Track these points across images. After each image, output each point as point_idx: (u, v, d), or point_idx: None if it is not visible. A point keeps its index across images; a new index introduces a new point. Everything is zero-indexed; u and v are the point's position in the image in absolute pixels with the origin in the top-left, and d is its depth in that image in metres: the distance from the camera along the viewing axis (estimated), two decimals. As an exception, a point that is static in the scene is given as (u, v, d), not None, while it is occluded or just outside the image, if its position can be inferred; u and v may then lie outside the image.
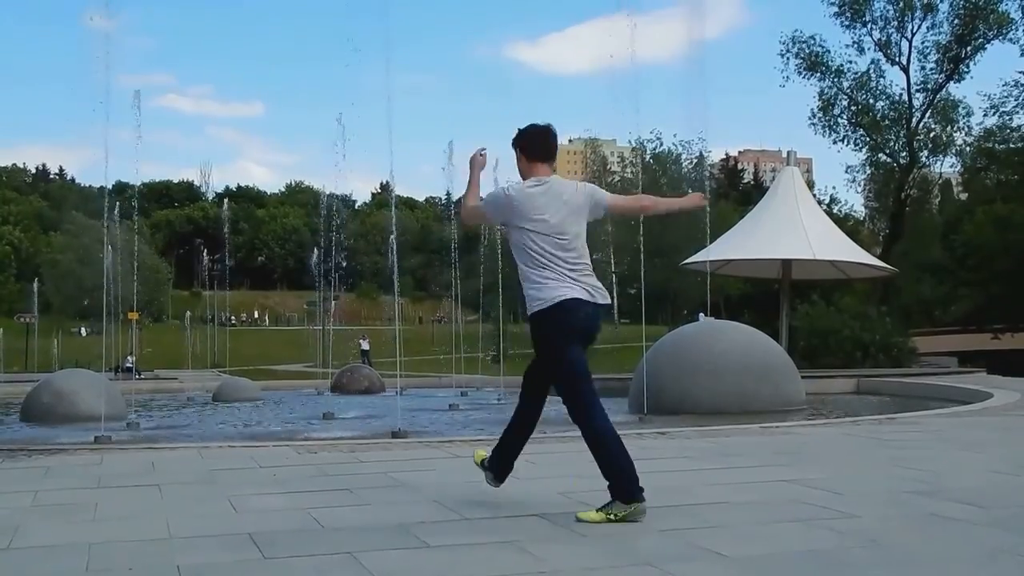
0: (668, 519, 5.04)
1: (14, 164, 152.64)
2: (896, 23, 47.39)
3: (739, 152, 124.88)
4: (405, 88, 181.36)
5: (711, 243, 29.55)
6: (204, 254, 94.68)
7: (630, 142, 76.89)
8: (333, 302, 74.34)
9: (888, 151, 49.71)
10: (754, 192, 77.33)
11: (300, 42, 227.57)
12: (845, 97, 48.75)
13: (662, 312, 68.14)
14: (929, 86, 47.90)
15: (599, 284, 5.34)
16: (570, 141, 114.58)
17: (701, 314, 32.33)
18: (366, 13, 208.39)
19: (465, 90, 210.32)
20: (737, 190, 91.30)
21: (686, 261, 30.50)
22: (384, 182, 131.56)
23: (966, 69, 46.95)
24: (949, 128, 48.30)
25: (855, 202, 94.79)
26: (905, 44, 47.76)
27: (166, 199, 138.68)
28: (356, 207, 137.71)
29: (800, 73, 48.18)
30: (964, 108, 47.93)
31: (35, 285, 64.67)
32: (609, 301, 5.41)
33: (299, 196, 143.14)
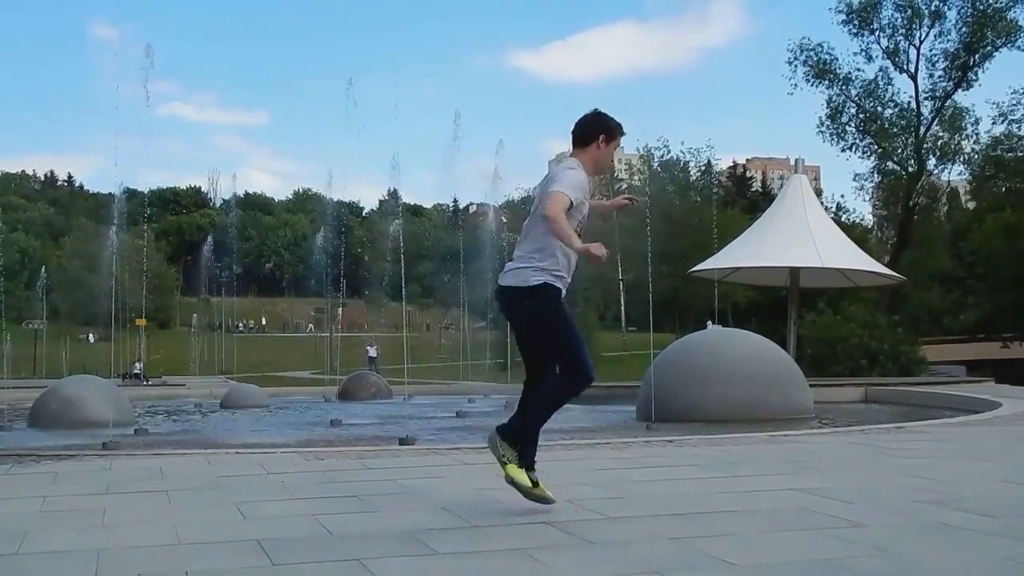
0: (677, 527, 5.04)
1: (23, 171, 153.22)
2: (904, 31, 47.35)
3: (747, 160, 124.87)
4: (411, 96, 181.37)
5: (719, 251, 29.53)
6: (211, 260, 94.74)
7: (637, 150, 77.06)
8: (340, 309, 74.51)
9: (896, 159, 49.63)
10: (762, 200, 77.31)
11: (303, 50, 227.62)
12: (853, 105, 48.68)
13: (669, 320, 68.18)
14: (937, 94, 47.85)
15: (513, 270, 5.44)
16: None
17: (710, 322, 32.34)
18: (372, 19, 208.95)
19: (471, 97, 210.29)
20: (745, 198, 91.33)
21: (694, 269, 30.47)
22: (391, 189, 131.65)
23: (974, 77, 46.90)
24: (957, 136, 48.22)
25: (863, 210, 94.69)
26: (913, 52, 47.73)
27: (173, 205, 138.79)
28: (364, 214, 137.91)
29: (808, 81, 48.14)
30: (972, 116, 47.89)
31: (42, 290, 64.77)
32: (511, 283, 5.42)
33: (306, 203, 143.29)
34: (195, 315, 67.71)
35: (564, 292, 5.44)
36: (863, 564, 4.19)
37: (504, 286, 5.45)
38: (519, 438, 5.40)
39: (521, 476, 5.31)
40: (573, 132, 5.55)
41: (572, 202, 5.24)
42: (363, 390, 25.53)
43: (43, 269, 67.99)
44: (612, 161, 5.68)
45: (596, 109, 5.58)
